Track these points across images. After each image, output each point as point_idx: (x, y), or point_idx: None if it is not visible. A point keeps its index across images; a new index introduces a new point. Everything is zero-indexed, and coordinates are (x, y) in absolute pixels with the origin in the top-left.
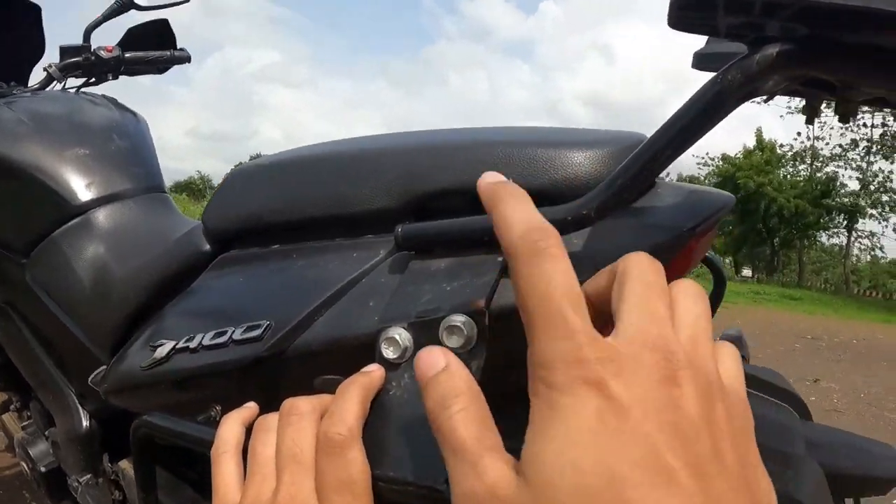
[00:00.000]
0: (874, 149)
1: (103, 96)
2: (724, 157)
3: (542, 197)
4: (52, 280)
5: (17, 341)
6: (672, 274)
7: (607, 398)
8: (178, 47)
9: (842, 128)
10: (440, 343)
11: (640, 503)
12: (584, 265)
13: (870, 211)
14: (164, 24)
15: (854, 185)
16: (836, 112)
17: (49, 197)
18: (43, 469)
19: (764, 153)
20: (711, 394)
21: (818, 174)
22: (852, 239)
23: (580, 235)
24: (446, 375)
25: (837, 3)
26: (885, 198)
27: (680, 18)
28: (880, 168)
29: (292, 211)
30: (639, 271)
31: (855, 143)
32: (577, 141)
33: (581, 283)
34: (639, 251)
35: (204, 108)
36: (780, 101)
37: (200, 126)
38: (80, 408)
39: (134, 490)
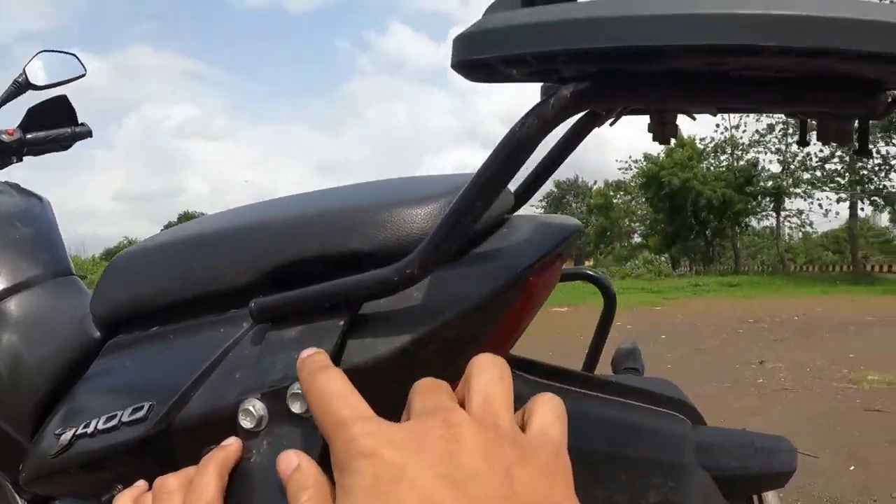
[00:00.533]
0: (790, 130)
1: (5, 183)
2: (647, 157)
3: (382, 257)
4: None
5: None
6: (521, 309)
7: (382, 463)
8: (80, 122)
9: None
10: (288, 411)
11: None
12: (422, 317)
13: (794, 190)
14: (63, 100)
15: (776, 168)
16: (650, 131)
17: None
18: None
19: (685, 149)
20: (499, 441)
21: (741, 162)
22: (782, 219)
23: (419, 288)
24: (297, 473)
25: (603, 45)
26: (806, 175)
27: (470, 72)
28: (798, 148)
29: (166, 293)
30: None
31: (771, 127)
32: (414, 197)
33: (424, 332)
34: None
35: (128, 169)
36: None
37: (127, 188)
38: (17, 497)
39: None
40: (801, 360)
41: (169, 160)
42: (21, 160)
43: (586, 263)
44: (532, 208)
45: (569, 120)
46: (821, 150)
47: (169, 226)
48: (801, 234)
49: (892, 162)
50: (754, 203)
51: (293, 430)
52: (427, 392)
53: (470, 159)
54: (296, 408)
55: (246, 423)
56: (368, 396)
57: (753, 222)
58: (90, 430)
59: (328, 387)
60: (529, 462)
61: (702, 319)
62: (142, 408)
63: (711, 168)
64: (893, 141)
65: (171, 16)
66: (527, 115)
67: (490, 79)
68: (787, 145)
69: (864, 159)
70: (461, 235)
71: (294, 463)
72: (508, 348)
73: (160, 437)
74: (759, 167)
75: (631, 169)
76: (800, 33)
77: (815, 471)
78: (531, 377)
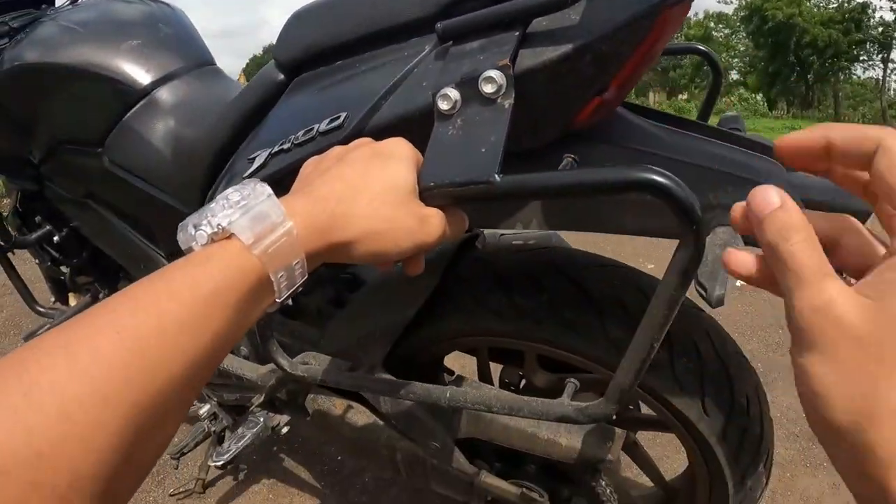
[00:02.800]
0: None
1: None
2: None
3: None
4: (130, 158)
5: (103, 228)
6: (651, 41)
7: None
8: None
9: None
10: (479, 92)
11: None
12: (581, 32)
13: None
14: None
15: (888, 16)
16: None
17: (113, 87)
18: None
19: None
20: None
21: (851, 2)
22: (889, 71)
23: (576, 10)
24: (783, 212)
25: None
26: None
27: None
28: None
29: (350, 30)
30: None
31: None
32: None
33: (582, 43)
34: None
35: (206, 5)
36: None
37: (207, 25)
38: None
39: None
40: None
41: None
42: None
43: (680, 97)
44: None
45: None
46: None
47: (254, 59)
48: None
49: None
50: (861, 50)
51: (484, 110)
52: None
53: None
54: (488, 88)
55: (444, 105)
56: (532, 97)
57: (858, 70)
58: (287, 146)
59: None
60: None
61: None
62: (338, 118)
63: (819, 7)
64: None
65: None
66: None
67: None
68: None
69: None
70: None
71: (775, 200)
72: (627, 91)
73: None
74: (871, 10)
75: (731, 2)
76: None
77: None
78: (654, 122)
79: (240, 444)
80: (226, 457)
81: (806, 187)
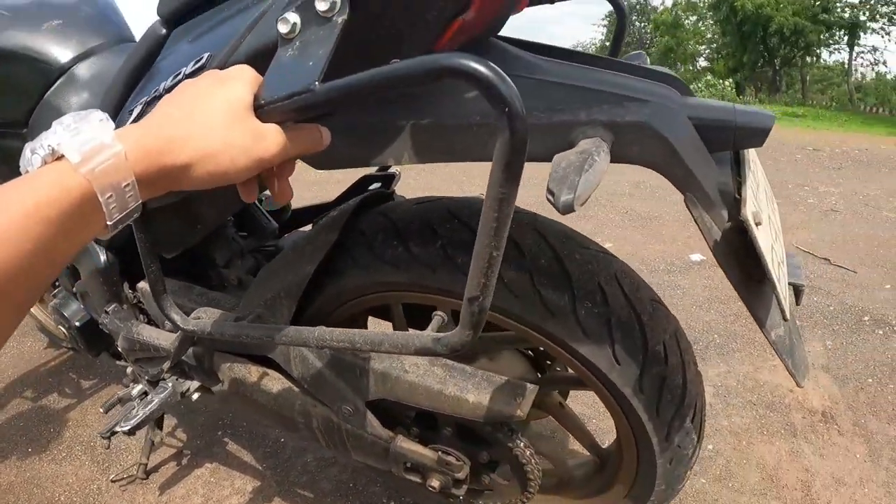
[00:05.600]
0: None
1: None
2: None
3: None
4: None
5: None
6: None
7: None
8: None
9: None
10: (316, 13)
11: None
12: None
13: (871, 24)
14: None
15: None
16: None
17: (34, 66)
18: (77, 324)
19: None
20: None
21: None
22: (854, 55)
23: None
24: None
25: None
26: (884, 9)
27: None
28: None
29: None
30: None
31: None
32: None
33: None
34: None
35: None
36: None
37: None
38: (95, 245)
39: (154, 307)
40: (856, 188)
41: None
42: None
43: None
44: (595, 27)
45: None
46: None
47: None
48: (873, 73)
49: None
50: (827, 35)
51: (319, 29)
52: None
53: None
54: (321, 7)
55: (283, 28)
56: (385, 18)
57: (825, 55)
58: (160, 91)
59: None
60: None
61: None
62: (201, 59)
63: None
64: None
65: None
66: None
67: None
68: None
69: None
70: None
71: None
72: (493, 15)
73: None
74: None
75: None
76: None
77: (852, 283)
78: (538, 55)
79: (147, 409)
80: (133, 422)
81: (700, 107)
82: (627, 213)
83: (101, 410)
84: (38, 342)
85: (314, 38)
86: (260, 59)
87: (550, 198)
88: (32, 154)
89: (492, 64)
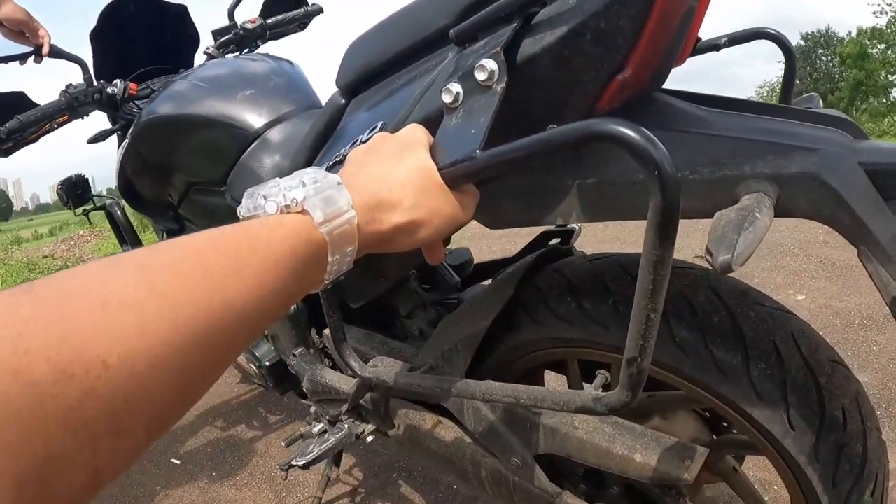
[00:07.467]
0: None
1: (259, 53)
2: None
3: None
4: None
5: None
6: (658, 13)
7: None
8: (310, 1)
9: None
10: (477, 83)
11: None
12: (576, 13)
13: None
14: None
15: None
16: None
17: (231, 131)
18: (267, 363)
19: None
20: None
21: None
22: None
23: None
24: None
25: None
26: None
27: None
28: None
29: (389, 50)
30: None
31: None
32: None
33: (579, 22)
34: None
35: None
36: None
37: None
38: None
39: (335, 353)
40: None
41: None
42: (265, 43)
43: None
44: (780, 65)
45: None
46: None
47: None
48: None
49: None
50: None
51: (481, 98)
52: None
53: None
54: (480, 77)
55: (447, 98)
56: (529, 85)
57: None
58: (339, 158)
59: None
60: None
61: None
62: (375, 127)
63: None
64: None
65: None
66: None
67: None
68: None
69: None
70: None
71: None
72: (653, 72)
73: None
74: None
75: (885, 13)
76: None
77: None
78: (704, 106)
79: (323, 447)
80: (308, 457)
81: (873, 152)
82: (822, 263)
83: (283, 444)
84: (231, 377)
85: (476, 107)
86: (428, 128)
87: (709, 258)
88: (266, 200)
89: (641, 128)
